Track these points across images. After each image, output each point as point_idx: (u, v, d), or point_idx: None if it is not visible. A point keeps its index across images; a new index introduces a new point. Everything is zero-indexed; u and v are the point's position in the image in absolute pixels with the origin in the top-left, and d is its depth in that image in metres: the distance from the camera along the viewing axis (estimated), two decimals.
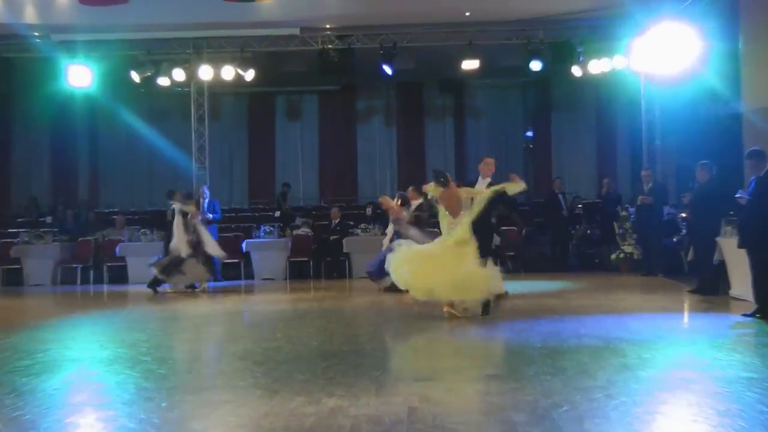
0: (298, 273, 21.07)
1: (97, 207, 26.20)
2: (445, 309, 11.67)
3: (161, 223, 18.79)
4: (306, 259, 21.14)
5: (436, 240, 11.98)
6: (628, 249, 19.12)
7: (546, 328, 10.32)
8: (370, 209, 22.80)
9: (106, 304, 16.91)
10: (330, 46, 21.10)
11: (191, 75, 21.58)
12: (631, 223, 19.17)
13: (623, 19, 19.41)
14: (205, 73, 21.27)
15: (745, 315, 10.93)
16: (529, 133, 27.28)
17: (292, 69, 24.37)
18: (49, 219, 23.86)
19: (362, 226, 20.80)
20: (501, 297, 12.71)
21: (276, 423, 5.85)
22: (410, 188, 16.52)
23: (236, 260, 21.04)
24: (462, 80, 25.02)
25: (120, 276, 20.94)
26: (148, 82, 21.77)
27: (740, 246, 11.49)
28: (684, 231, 18.11)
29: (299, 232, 21.70)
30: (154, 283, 17.37)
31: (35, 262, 20.98)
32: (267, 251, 20.73)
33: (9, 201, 26.88)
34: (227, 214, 23.33)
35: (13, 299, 18.04)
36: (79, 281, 20.98)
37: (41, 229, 21.83)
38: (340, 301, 15.05)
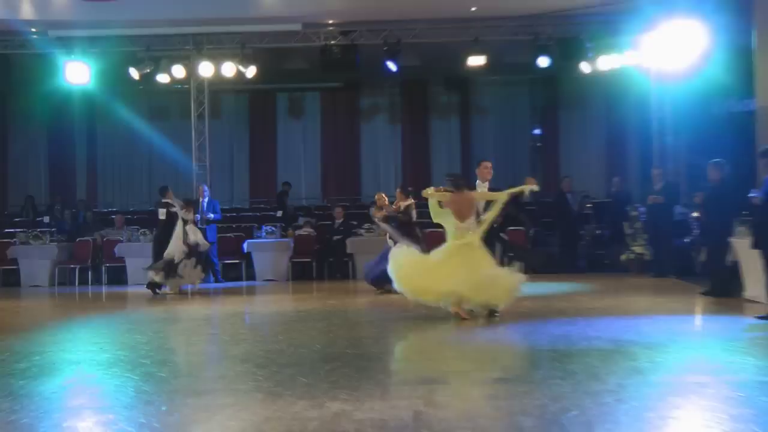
0: (300, 274, 21.07)
1: (95, 206, 26.19)
2: (453, 310, 11.67)
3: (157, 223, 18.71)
4: (309, 259, 21.14)
5: (444, 246, 12.01)
6: (638, 249, 19.09)
7: (554, 330, 10.32)
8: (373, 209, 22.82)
9: (104, 306, 16.92)
10: (333, 43, 21.10)
11: (191, 72, 21.59)
12: (642, 223, 19.13)
13: (633, 14, 19.38)
14: (206, 69, 21.26)
15: (759, 317, 10.91)
16: (537, 131, 27.24)
17: (294, 66, 24.38)
18: (46, 219, 23.83)
19: (366, 226, 20.78)
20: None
21: (278, 427, 5.85)
22: (397, 190, 17.01)
23: (237, 261, 21.06)
24: (468, 77, 24.97)
25: (119, 277, 20.94)
26: (147, 79, 21.77)
27: (754, 247, 11.47)
28: (696, 231, 18.08)
29: (302, 232, 21.70)
30: (154, 285, 17.37)
31: (32, 262, 20.96)
32: (269, 252, 20.72)
33: (5, 200, 26.90)
34: (228, 214, 23.34)
35: (10, 301, 18.04)
36: (77, 282, 20.97)
37: (38, 229, 21.79)
38: (343, 303, 15.05)
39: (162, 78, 21.76)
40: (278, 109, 27.49)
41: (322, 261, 21.27)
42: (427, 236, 16.83)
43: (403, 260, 12.07)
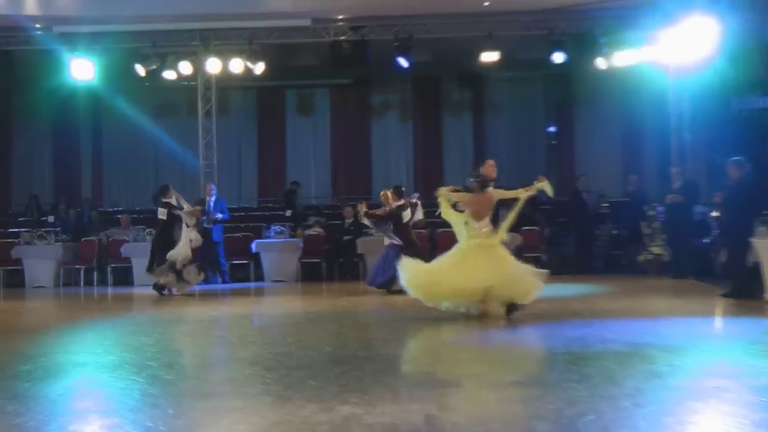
0: (310, 275, 21.10)
1: (100, 206, 26.26)
2: (484, 310, 11.80)
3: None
4: (318, 260, 21.16)
5: (458, 246, 12.09)
6: (656, 250, 19.06)
7: (570, 332, 10.30)
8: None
9: (110, 307, 16.95)
10: (343, 38, 21.12)
11: (198, 68, 21.63)
12: (660, 222, 19.10)
13: (649, 9, 19.36)
14: (213, 66, 21.30)
15: None
16: (552, 129, 27.22)
17: (303, 62, 24.40)
18: (51, 218, 23.91)
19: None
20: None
21: (287, 431, 5.85)
22: (389, 191, 17.23)
23: (245, 261, 21.09)
24: (481, 73, 24.96)
25: (125, 278, 20.99)
26: (153, 75, 21.83)
27: None
28: (716, 231, 18.03)
29: (311, 232, 21.71)
30: (160, 286, 17.39)
31: (37, 263, 21.02)
32: (277, 252, 20.75)
33: (9, 200, 26.99)
34: (236, 214, 23.34)
35: (14, 302, 18.10)
36: (82, 283, 21.04)
37: (43, 229, 21.86)
38: (354, 304, 15.04)
39: (168, 74, 21.82)
40: (287, 106, 27.52)
41: (332, 261, 21.28)
42: (439, 236, 16.89)
43: (416, 269, 12.14)
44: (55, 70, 21.39)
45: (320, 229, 21.91)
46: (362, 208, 17.44)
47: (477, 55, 21.06)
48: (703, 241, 18.71)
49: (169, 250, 17.27)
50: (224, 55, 21.34)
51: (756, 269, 13.47)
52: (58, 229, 22.43)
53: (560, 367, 8.08)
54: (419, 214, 17.74)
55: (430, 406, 6.42)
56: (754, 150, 16.31)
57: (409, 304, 13.21)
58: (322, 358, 9.03)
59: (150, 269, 17.61)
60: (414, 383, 7.80)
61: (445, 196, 12.20)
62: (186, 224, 17.39)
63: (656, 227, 19.15)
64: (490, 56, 20.96)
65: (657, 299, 14.70)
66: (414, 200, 17.54)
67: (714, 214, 17.92)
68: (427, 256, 16.63)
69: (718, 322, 12.10)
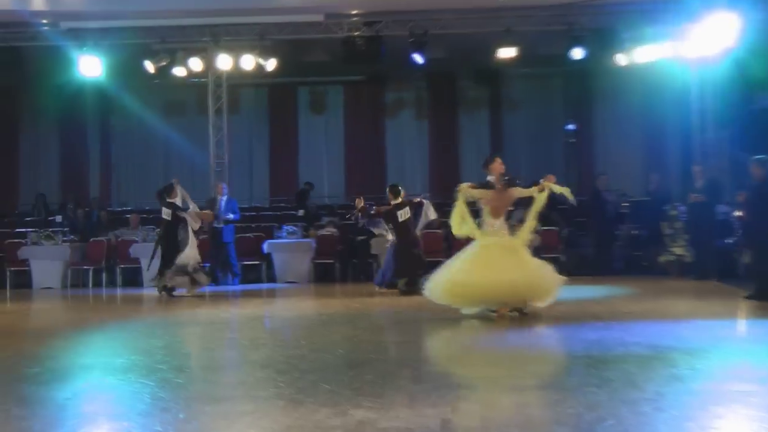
0: (323, 276, 21.11)
1: (109, 205, 26.35)
2: (502, 311, 11.89)
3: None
4: (331, 261, 21.17)
5: (476, 244, 12.14)
6: (678, 251, 19.01)
7: (589, 335, 10.28)
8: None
9: (119, 309, 17.00)
10: (356, 34, 21.10)
11: (209, 65, 21.66)
12: (682, 222, 19.05)
13: (672, 4, 19.30)
14: (224, 62, 21.32)
15: None
16: (571, 126, 27.16)
17: (315, 58, 24.40)
18: (58, 218, 23.96)
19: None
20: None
21: None
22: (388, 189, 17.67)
23: (257, 262, 21.11)
24: (498, 70, 24.90)
25: (134, 279, 21.04)
26: (163, 72, 21.86)
27: None
28: (739, 231, 17.98)
29: (324, 232, 21.70)
30: (168, 288, 17.43)
31: (44, 263, 21.07)
32: (290, 253, 20.77)
33: (16, 199, 27.08)
34: (247, 213, 23.37)
35: (21, 303, 18.17)
36: (90, 284, 21.10)
37: (50, 229, 21.92)
38: (367, 306, 15.05)
39: (178, 71, 21.87)
40: (299, 103, 27.54)
41: (346, 262, 21.29)
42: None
43: (440, 277, 12.25)
44: (63, 66, 21.45)
45: (333, 229, 21.89)
46: (359, 202, 17.65)
47: (494, 51, 21.03)
48: (726, 241, 18.67)
49: (172, 252, 17.30)
50: (235, 51, 21.36)
51: None
52: (65, 229, 22.49)
53: (579, 371, 8.07)
54: (431, 214, 17.71)
55: (445, 410, 6.42)
56: None
57: (424, 305, 13.22)
58: (336, 361, 9.05)
59: (160, 273, 17.56)
60: (429, 387, 7.79)
61: (465, 191, 12.31)
62: (191, 227, 17.40)
63: (678, 227, 19.10)
64: (507, 52, 20.93)
65: (679, 301, 14.67)
66: (418, 200, 17.56)
67: (737, 213, 17.88)
68: (423, 256, 16.88)
69: (742, 325, 12.07)
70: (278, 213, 25.09)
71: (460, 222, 12.42)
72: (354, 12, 20.89)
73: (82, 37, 21.04)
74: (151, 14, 20.32)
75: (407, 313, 13.67)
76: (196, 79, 22.92)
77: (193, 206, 17.77)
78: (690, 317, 12.25)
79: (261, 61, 21.29)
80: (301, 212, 23.67)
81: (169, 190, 17.77)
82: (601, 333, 10.43)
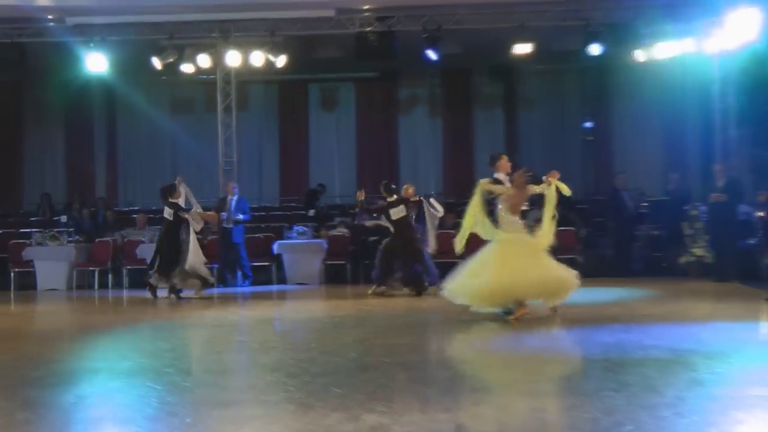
0: (334, 277, 21.10)
1: (115, 205, 26.39)
2: (521, 312, 11.95)
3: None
4: (343, 262, 21.16)
5: (498, 241, 12.22)
6: (698, 252, 18.97)
7: (607, 338, 10.27)
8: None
9: (125, 311, 17.03)
10: (368, 29, 21.09)
11: (217, 61, 21.66)
12: (703, 223, 19.01)
13: None
14: (233, 59, 21.33)
15: None
16: (588, 124, 27.11)
17: (327, 54, 24.38)
18: (63, 218, 24.01)
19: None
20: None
21: None
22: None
23: (267, 263, 21.12)
24: (513, 66, 24.86)
25: (140, 280, 21.04)
26: (171, 69, 21.89)
27: None
28: (761, 232, 17.94)
29: (335, 232, 21.70)
30: (176, 289, 17.46)
31: (49, 264, 21.08)
32: (300, 254, 20.76)
33: (20, 198, 27.14)
34: (257, 213, 23.38)
35: (26, 305, 18.22)
36: (96, 286, 21.13)
37: (55, 230, 21.94)
38: (380, 308, 15.04)
39: (186, 68, 21.86)
40: (310, 100, 27.55)
41: (358, 263, 21.28)
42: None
43: (462, 277, 12.32)
44: (69, 63, 21.49)
45: (345, 230, 21.89)
46: (360, 195, 17.80)
47: (509, 47, 21.00)
48: (748, 242, 18.62)
49: (173, 252, 17.32)
50: (245, 47, 21.37)
51: None
52: (71, 229, 22.52)
53: (597, 375, 8.07)
54: (438, 209, 17.64)
55: (459, 415, 6.43)
56: None
57: (437, 308, 13.22)
58: (347, 365, 9.05)
59: (164, 273, 17.56)
60: (443, 391, 7.80)
61: (485, 187, 12.40)
62: (193, 228, 17.40)
63: (698, 228, 19.06)
64: (523, 48, 20.89)
65: (699, 303, 14.64)
66: (415, 198, 17.48)
67: (759, 213, 17.84)
68: (418, 254, 16.95)
69: (764, 328, 12.04)
70: (288, 213, 25.11)
71: (473, 218, 12.45)
72: (366, 7, 20.89)
73: (88, 33, 21.07)
74: (158, 9, 20.36)
75: (421, 316, 13.68)
76: (205, 76, 22.93)
77: (196, 206, 17.77)
78: (711, 320, 12.22)
79: (271, 57, 21.29)
80: (311, 212, 23.67)
81: (171, 189, 17.72)
82: (620, 336, 10.42)
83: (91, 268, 21.38)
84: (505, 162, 13.39)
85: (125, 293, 20.19)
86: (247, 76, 23.18)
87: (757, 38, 17.45)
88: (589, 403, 6.70)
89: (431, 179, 26.61)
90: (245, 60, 21.35)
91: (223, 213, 19.95)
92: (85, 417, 7.03)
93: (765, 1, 17.30)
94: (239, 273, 20.34)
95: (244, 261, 20.26)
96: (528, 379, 8.29)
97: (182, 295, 17.42)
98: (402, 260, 17.03)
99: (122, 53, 21.32)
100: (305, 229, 21.08)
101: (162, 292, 17.56)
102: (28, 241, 21.46)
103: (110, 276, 21.29)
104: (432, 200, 17.67)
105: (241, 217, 20.17)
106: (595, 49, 20.81)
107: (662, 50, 20.54)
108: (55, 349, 10.80)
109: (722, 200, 18.04)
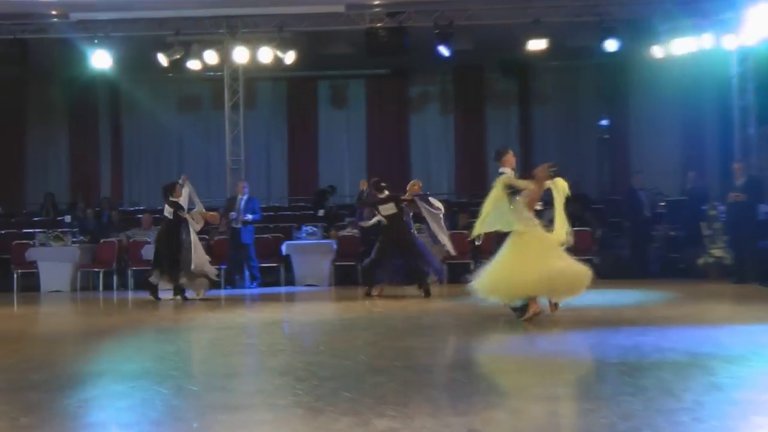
0: (344, 278, 21.10)
1: (120, 205, 26.45)
2: (534, 311, 12.06)
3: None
4: (353, 263, 21.16)
5: (519, 236, 12.27)
6: (717, 253, 18.94)
7: (624, 341, 10.25)
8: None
9: (130, 313, 17.04)
10: (379, 25, 21.11)
11: (224, 58, 21.69)
12: (722, 223, 18.98)
13: None
14: (240, 55, 21.35)
15: None
16: (604, 122, 27.10)
17: (336, 51, 24.42)
18: (67, 218, 24.06)
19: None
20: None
21: None
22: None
23: (275, 264, 21.12)
24: (527, 62, 24.89)
25: (146, 281, 21.06)
26: (177, 65, 21.92)
27: None
28: None
29: (345, 233, 21.70)
30: (181, 290, 17.48)
31: (52, 265, 21.11)
32: (309, 254, 20.76)
33: (24, 198, 27.23)
34: (265, 213, 23.30)
35: (29, 307, 18.25)
36: (100, 287, 21.17)
37: (59, 230, 21.97)
38: (391, 310, 15.02)
39: (193, 65, 21.90)
40: (319, 98, 27.59)
41: None
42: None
43: (490, 274, 12.36)
44: (73, 60, 21.55)
45: (355, 230, 21.88)
46: (363, 185, 17.81)
47: (523, 43, 21.00)
48: None
49: (173, 251, 17.34)
50: (252, 43, 21.39)
51: None
52: (75, 229, 22.56)
53: (613, 379, 8.05)
54: (436, 204, 17.56)
55: (473, 419, 6.41)
56: None
57: (449, 310, 13.21)
58: (358, 368, 9.04)
59: (169, 273, 17.58)
60: (456, 395, 7.79)
61: (510, 182, 12.44)
62: (192, 228, 17.40)
63: (717, 228, 19.03)
64: (537, 44, 20.90)
65: (718, 306, 14.62)
66: (406, 197, 17.41)
67: None
68: (411, 247, 16.95)
69: None
70: (297, 213, 25.12)
71: (493, 211, 12.47)
72: (376, 2, 20.90)
73: (92, 29, 21.12)
74: (164, 5, 20.39)
75: (432, 318, 13.67)
76: (212, 73, 22.98)
77: (199, 206, 17.79)
78: (730, 322, 12.19)
79: (279, 53, 21.30)
80: (320, 212, 23.68)
81: (171, 188, 17.76)
82: (637, 339, 10.39)
83: (95, 270, 21.42)
84: (510, 157, 13.45)
85: (130, 295, 20.21)
86: (255, 73, 23.22)
87: None
88: (606, 408, 6.69)
89: (443, 178, 26.65)
90: (253, 56, 21.37)
91: (232, 213, 19.99)
92: (89, 421, 7.03)
93: None
94: (247, 274, 20.35)
95: (253, 262, 20.28)
96: (542, 382, 8.27)
97: (187, 296, 17.43)
98: (396, 256, 17.02)
99: (127, 50, 21.37)
100: (314, 229, 21.09)
101: (164, 294, 17.57)
102: (31, 242, 21.50)
103: (115, 277, 21.32)
104: (430, 198, 17.60)
105: (250, 217, 20.18)
106: (611, 45, 20.80)
107: (680, 46, 20.51)
108: (58, 352, 10.81)
109: (742, 200, 17.99)
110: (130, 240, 21.84)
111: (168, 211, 17.60)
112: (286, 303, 18.00)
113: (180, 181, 17.87)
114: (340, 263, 21.06)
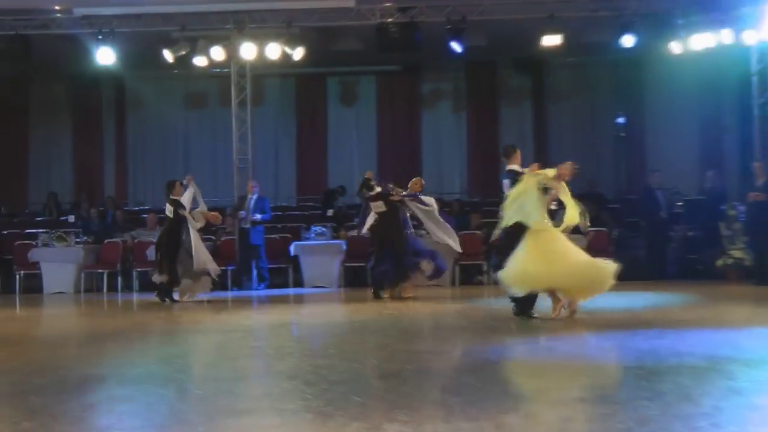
0: (353, 280, 21.11)
1: (125, 205, 26.49)
2: (559, 306, 12.43)
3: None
4: (363, 264, 21.14)
5: (537, 232, 12.37)
6: (737, 254, 18.91)
7: (641, 345, 10.24)
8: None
9: (135, 315, 17.08)
10: (390, 21, 21.08)
11: (231, 54, 21.67)
12: (741, 223, 18.95)
13: None
14: (248, 51, 21.34)
15: None
16: (620, 120, 27.06)
17: (346, 47, 24.41)
18: (71, 218, 24.10)
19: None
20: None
21: None
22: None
23: (283, 265, 21.13)
24: (541, 58, 24.84)
25: (151, 283, 21.08)
26: (183, 62, 21.92)
27: None
28: None
29: (355, 233, 21.69)
30: (168, 292, 17.52)
31: (55, 266, 21.17)
32: (318, 255, 20.78)
33: (26, 198, 27.25)
34: (272, 213, 23.37)
35: (31, 309, 18.29)
36: (105, 288, 21.21)
37: (62, 230, 22.01)
38: (402, 312, 15.03)
39: (199, 61, 21.89)
40: (329, 95, 27.57)
41: None
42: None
43: (519, 265, 12.42)
44: (76, 56, 21.58)
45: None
46: (369, 175, 17.89)
47: (537, 39, 20.96)
48: None
49: (174, 250, 17.36)
50: (260, 39, 21.38)
51: None
52: (78, 229, 22.59)
53: (630, 383, 8.04)
54: (429, 205, 17.52)
55: (485, 424, 6.41)
56: None
57: (462, 312, 13.21)
58: (368, 372, 9.05)
59: (172, 273, 17.60)
60: (468, 400, 7.78)
61: (546, 180, 12.53)
62: (191, 226, 17.41)
63: (737, 228, 19.00)
64: (552, 40, 20.85)
65: (737, 308, 14.59)
66: (396, 197, 17.34)
67: None
68: (401, 244, 16.96)
69: None
70: (306, 213, 25.13)
71: (513, 202, 12.55)
72: None
73: (96, 24, 21.13)
74: (170, 0, 20.39)
75: (444, 320, 13.67)
76: (218, 69, 22.98)
77: (202, 207, 17.82)
78: (749, 325, 12.18)
79: (288, 49, 21.29)
80: (330, 212, 23.68)
81: (171, 185, 17.81)
82: (654, 342, 10.39)
83: (99, 271, 21.46)
84: (517, 156, 13.49)
85: (135, 296, 20.26)
86: (262, 70, 23.19)
87: None
88: (622, 413, 6.68)
89: (455, 177, 26.65)
90: (261, 52, 21.35)
91: (241, 212, 20.01)
92: (93, 426, 7.05)
93: None
94: (255, 275, 20.37)
95: (262, 263, 20.31)
96: (557, 387, 8.27)
97: (175, 297, 17.44)
98: (388, 256, 17.02)
99: (132, 46, 21.39)
100: (323, 229, 21.09)
101: (175, 294, 17.63)
102: (34, 242, 21.54)
103: (119, 278, 21.37)
104: (421, 197, 17.56)
105: (259, 216, 20.20)
106: (628, 41, 20.76)
107: (698, 42, 20.47)
108: (61, 355, 10.83)
109: (762, 199, 17.97)
110: (135, 240, 21.87)
111: (168, 209, 17.65)
112: (295, 305, 18.02)
113: (184, 182, 17.89)
114: (349, 264, 21.07)
